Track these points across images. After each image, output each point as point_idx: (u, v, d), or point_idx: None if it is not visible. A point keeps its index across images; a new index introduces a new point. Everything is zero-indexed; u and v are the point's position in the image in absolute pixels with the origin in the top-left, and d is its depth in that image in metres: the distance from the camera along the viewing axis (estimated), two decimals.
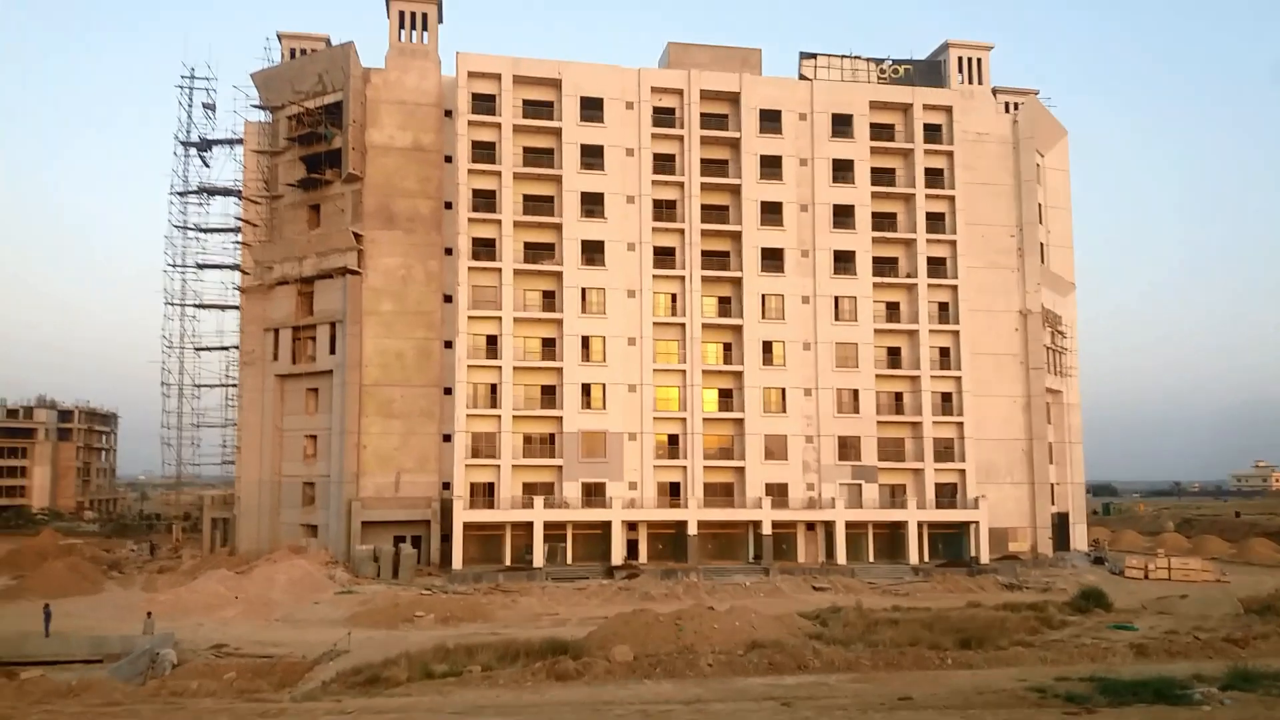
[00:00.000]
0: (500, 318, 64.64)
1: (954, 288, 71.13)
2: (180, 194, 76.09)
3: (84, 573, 56.77)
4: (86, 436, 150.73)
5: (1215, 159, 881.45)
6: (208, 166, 77.78)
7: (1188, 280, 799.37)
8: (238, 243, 73.10)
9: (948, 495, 69.94)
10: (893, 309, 71.30)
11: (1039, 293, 73.82)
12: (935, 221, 72.19)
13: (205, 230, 75.91)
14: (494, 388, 64.44)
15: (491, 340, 64.92)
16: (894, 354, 71.01)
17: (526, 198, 67.04)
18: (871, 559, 67.10)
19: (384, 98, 68.48)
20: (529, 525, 62.67)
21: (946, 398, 70.77)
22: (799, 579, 61.42)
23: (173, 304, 75.31)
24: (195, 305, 75.03)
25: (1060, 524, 77.30)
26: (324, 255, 67.21)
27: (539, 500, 62.73)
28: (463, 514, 61.26)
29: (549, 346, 66.05)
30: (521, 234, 66.51)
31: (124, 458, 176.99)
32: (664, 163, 68.61)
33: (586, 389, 65.40)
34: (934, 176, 72.60)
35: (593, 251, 66.59)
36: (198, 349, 75.90)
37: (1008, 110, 77.44)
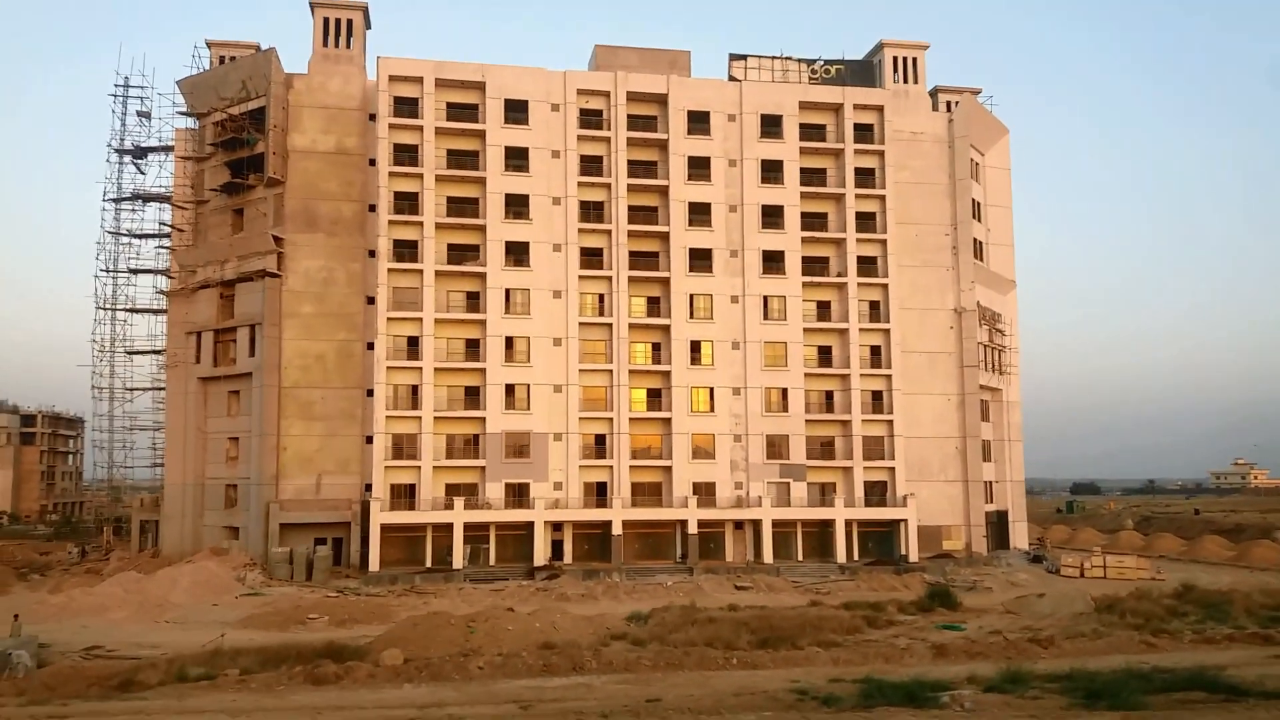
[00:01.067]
0: (421, 319, 64.30)
1: (884, 286, 70.96)
2: (114, 200, 75.85)
3: None
4: (51, 440, 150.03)
5: (1183, 149, 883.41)
6: (142, 174, 77.45)
7: (1167, 272, 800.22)
8: (168, 247, 72.71)
9: (879, 494, 69.60)
10: (824, 308, 71.09)
11: (973, 290, 73.62)
12: (866, 221, 72.06)
13: (138, 236, 75.57)
14: (415, 389, 64.09)
15: (413, 341, 64.63)
16: (825, 353, 70.75)
17: (451, 200, 66.82)
18: (800, 557, 66.72)
19: (307, 102, 68.21)
20: (451, 527, 62.22)
21: (878, 396, 70.47)
22: (723, 578, 60.91)
23: (103, 308, 75.02)
24: (123, 310, 74.59)
25: (999, 522, 77.09)
26: (245, 259, 66.85)
27: (459, 501, 62.31)
28: (379, 515, 60.81)
29: (473, 348, 65.74)
30: (445, 236, 66.29)
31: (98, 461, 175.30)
32: (592, 164, 68.46)
33: (510, 389, 65.06)
34: (865, 176, 72.49)
35: (518, 253, 66.35)
36: (129, 352, 75.52)
37: (948, 109, 77.42)
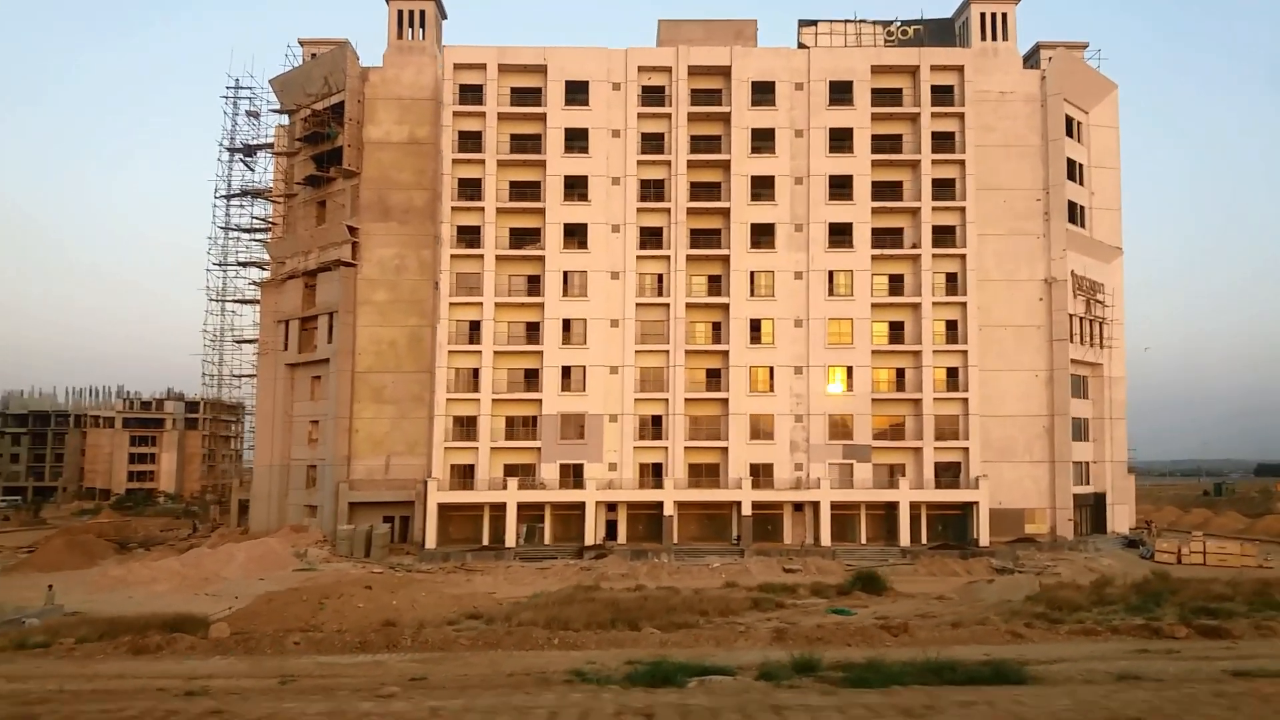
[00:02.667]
0: (481, 303, 65.68)
1: (962, 257, 67.15)
2: (225, 196, 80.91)
3: (86, 549, 61.61)
4: (212, 425, 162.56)
5: None
6: (252, 170, 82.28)
7: None
8: (263, 240, 77.07)
9: (952, 475, 66.35)
10: (897, 282, 68.06)
11: (1064, 259, 68.72)
12: (945, 188, 68.34)
13: (245, 230, 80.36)
14: (475, 372, 65.62)
15: (475, 326, 66.09)
16: (897, 329, 67.79)
17: (513, 184, 67.75)
18: (864, 541, 64.55)
19: (382, 94, 70.49)
20: (506, 506, 63.64)
21: (953, 373, 67.04)
22: (773, 560, 59.73)
23: (215, 300, 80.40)
24: (231, 300, 79.63)
25: (1096, 505, 72.32)
26: (325, 249, 70.06)
27: (513, 482, 63.56)
28: (435, 495, 62.86)
29: (533, 331, 66.63)
30: (507, 220, 67.31)
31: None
32: (653, 142, 67.80)
33: (567, 371, 65.65)
34: (945, 141, 68.65)
35: (577, 235, 66.65)
36: (236, 341, 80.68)
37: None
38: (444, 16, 73.74)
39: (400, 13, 71.51)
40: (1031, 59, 73.89)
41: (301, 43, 77.06)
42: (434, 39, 71.73)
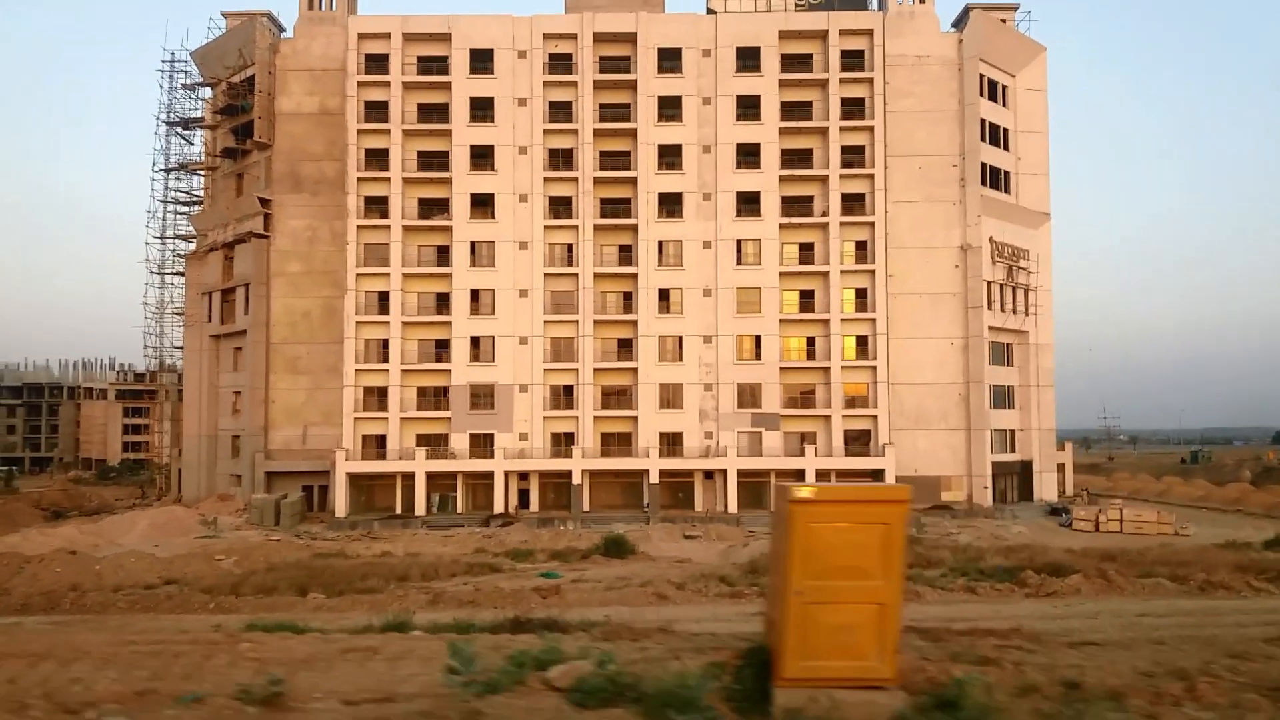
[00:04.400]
0: (389, 274, 65.93)
1: (871, 224, 66.67)
2: (164, 170, 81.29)
3: (8, 517, 62.81)
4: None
5: None
6: (190, 144, 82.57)
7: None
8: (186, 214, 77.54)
9: (863, 443, 66.34)
10: (808, 250, 67.71)
11: (979, 225, 68.10)
12: (858, 155, 67.76)
13: (182, 204, 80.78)
14: (385, 343, 66.00)
15: (384, 296, 66.38)
16: (808, 297, 67.55)
17: (421, 154, 67.71)
18: (772, 508, 64.53)
19: (293, 66, 70.39)
20: (423, 476, 64.28)
21: (863, 341, 66.82)
22: (677, 527, 60.06)
23: (155, 273, 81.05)
24: (163, 273, 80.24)
25: (1023, 472, 72.23)
26: (240, 221, 70.43)
27: (420, 452, 64.11)
28: (345, 465, 63.55)
29: (443, 301, 66.86)
30: (416, 190, 67.37)
31: None
32: (561, 111, 67.47)
33: (476, 341, 65.94)
34: (856, 107, 67.97)
35: (484, 205, 66.63)
36: (175, 313, 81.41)
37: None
38: None
39: None
40: (962, 23, 72.77)
41: (225, 15, 76.94)
42: (346, 9, 71.42)
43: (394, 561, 32.09)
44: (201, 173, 77.35)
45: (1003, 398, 71.50)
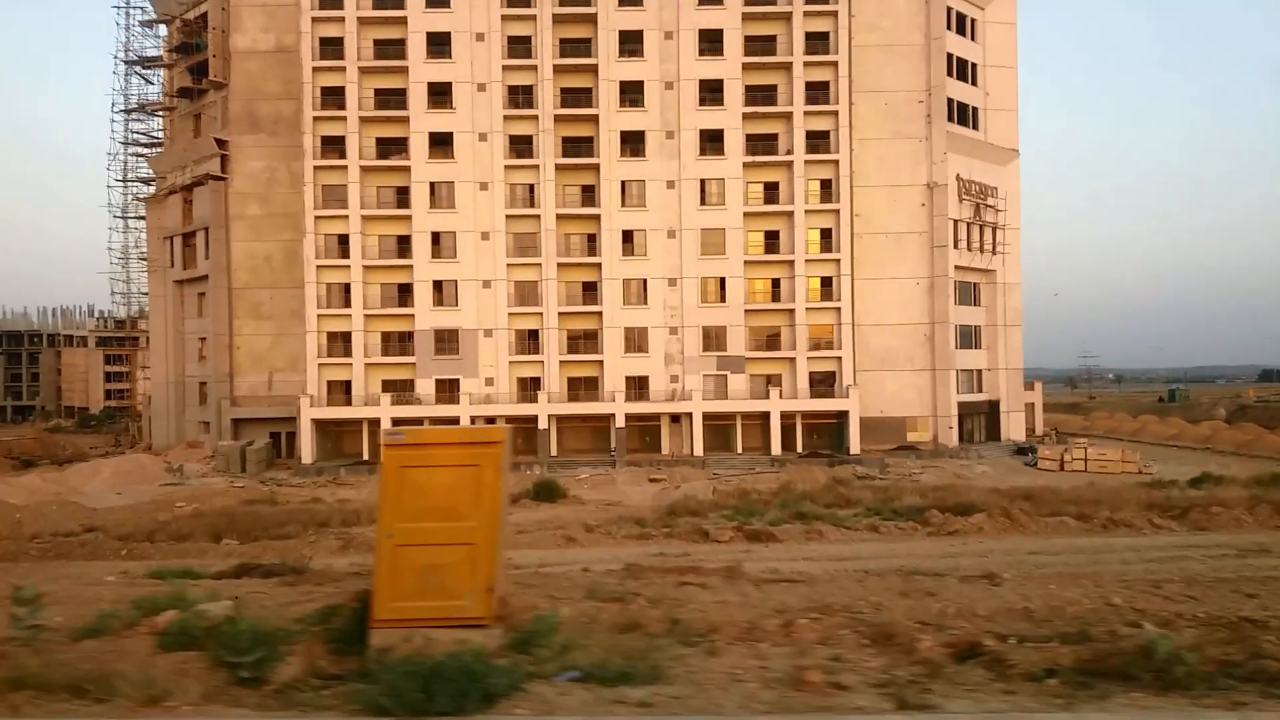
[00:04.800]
0: (348, 216, 65.10)
1: (835, 163, 65.91)
2: (124, 111, 79.70)
3: None
4: None
5: None
6: (150, 84, 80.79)
7: None
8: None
9: (828, 385, 66.39)
10: (772, 190, 66.97)
11: (945, 162, 67.40)
12: (822, 91, 66.69)
13: (144, 146, 79.36)
14: (347, 287, 65.40)
15: (344, 239, 65.60)
16: (773, 238, 66.98)
17: (379, 92, 66.35)
18: (740, 450, 65.02)
19: (247, 1, 68.64)
20: (392, 421, 64.11)
21: (828, 282, 66.47)
22: (643, 470, 60.40)
23: (118, 217, 79.97)
24: (127, 217, 79.16)
25: (991, 412, 72.57)
26: (199, 163, 69.28)
27: (385, 398, 63.94)
28: (309, 411, 63.37)
29: (404, 244, 66.12)
30: (374, 130, 66.17)
31: None
32: (520, 46, 66.03)
33: (439, 285, 65.37)
34: (821, 42, 66.71)
35: (443, 144, 65.52)
36: (140, 258, 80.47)
37: None
38: None
39: None
40: None
41: None
42: None
43: (320, 508, 32.12)
44: (160, 113, 75.93)
45: (970, 338, 71.56)
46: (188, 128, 72.44)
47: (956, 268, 69.27)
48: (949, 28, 69.10)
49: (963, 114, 69.98)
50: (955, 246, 68.78)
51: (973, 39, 71.34)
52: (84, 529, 26.64)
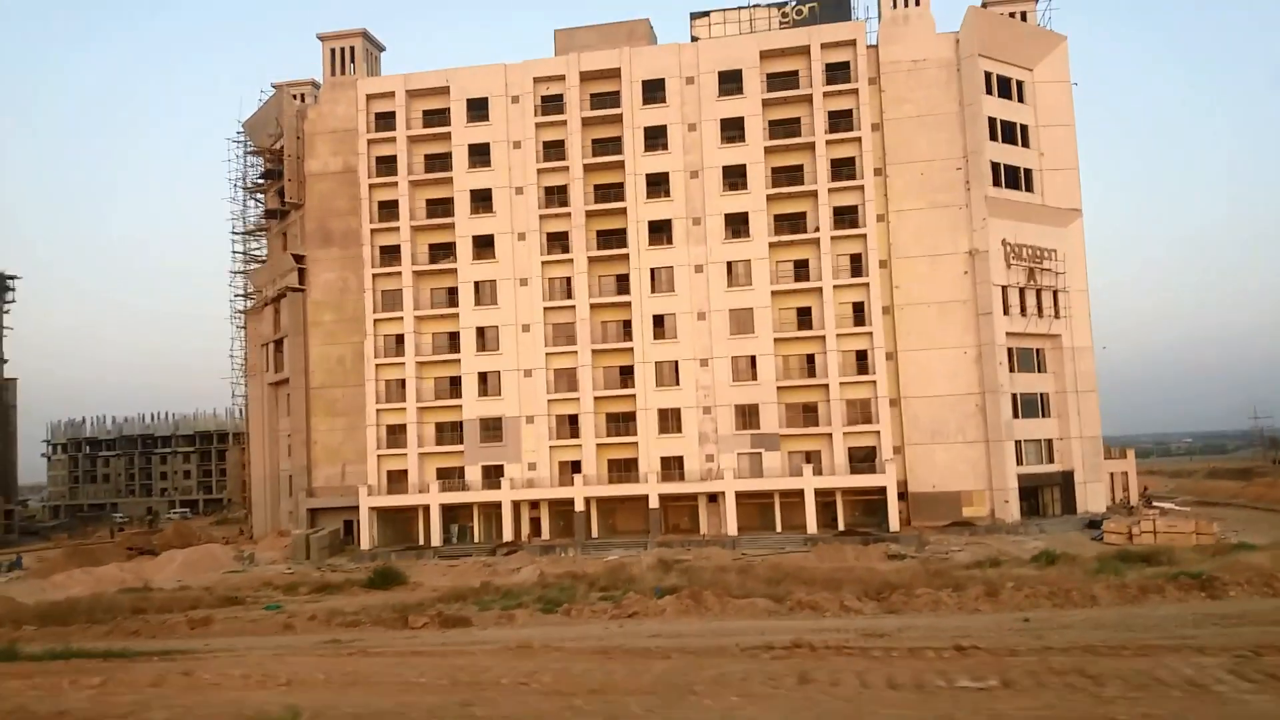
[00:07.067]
0: (403, 317, 69.99)
1: (863, 237, 65.49)
2: (243, 233, 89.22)
3: (90, 557, 70.49)
4: None
5: None
6: (261, 206, 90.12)
7: None
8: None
9: (871, 460, 64.86)
10: (803, 267, 67.15)
11: (985, 228, 65.66)
12: (849, 168, 66.84)
13: (258, 261, 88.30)
14: (403, 383, 69.97)
15: (400, 339, 70.45)
16: (805, 314, 66.89)
17: (429, 202, 71.66)
18: (779, 529, 64.28)
19: (319, 129, 76.09)
20: (442, 507, 67.70)
21: (863, 355, 65.48)
22: (671, 550, 60.75)
23: (240, 327, 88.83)
24: (242, 328, 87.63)
25: (1065, 484, 68.58)
26: (283, 276, 76.47)
27: (434, 485, 67.48)
28: (367, 500, 67.70)
29: (455, 340, 70.26)
30: (425, 237, 71.34)
31: None
32: (554, 149, 69.88)
33: (484, 376, 68.91)
34: (845, 119, 67.10)
35: (485, 245, 69.74)
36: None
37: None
38: (380, 49, 78.55)
39: (333, 50, 76.84)
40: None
41: (274, 85, 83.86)
42: (365, 72, 76.57)
43: (190, 594, 34.99)
44: (262, 234, 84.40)
45: (1035, 406, 68.34)
46: (278, 246, 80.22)
47: (1013, 334, 66.81)
48: (990, 92, 67.96)
49: (1012, 177, 68.15)
50: (1006, 313, 66.44)
51: (1021, 100, 69.71)
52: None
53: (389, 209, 71.73)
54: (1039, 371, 69.33)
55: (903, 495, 65.25)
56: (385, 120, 72.38)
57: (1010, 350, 66.63)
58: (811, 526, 62.89)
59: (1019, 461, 65.90)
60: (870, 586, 21.03)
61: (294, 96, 80.00)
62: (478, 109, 70.41)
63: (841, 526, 64.06)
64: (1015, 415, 66.28)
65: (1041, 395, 68.98)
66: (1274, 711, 10.90)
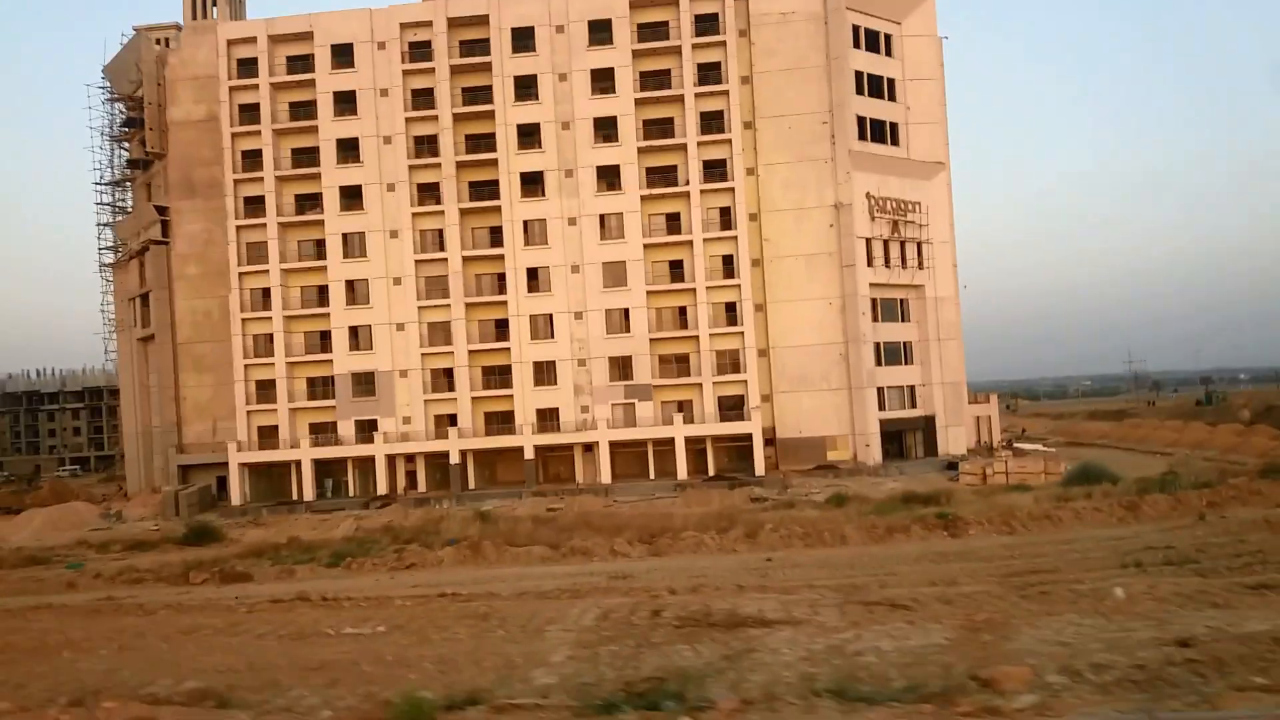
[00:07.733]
0: (269, 270, 68.57)
1: (731, 190, 66.34)
2: (111, 184, 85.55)
3: None
4: None
5: None
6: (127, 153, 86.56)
7: None
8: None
9: (739, 408, 66.43)
10: (674, 220, 67.77)
11: (850, 181, 67.07)
12: (719, 121, 67.33)
13: (126, 213, 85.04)
14: (270, 337, 68.76)
15: (267, 292, 69.07)
16: (677, 267, 67.70)
17: (295, 151, 69.90)
18: (652, 476, 65.58)
19: (181, 76, 73.24)
20: (314, 462, 67.18)
21: (732, 308, 66.71)
22: (545, 500, 61.52)
23: (109, 281, 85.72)
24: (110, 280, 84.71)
25: (926, 428, 71.31)
26: (146, 229, 74.01)
27: (304, 440, 66.91)
28: (236, 456, 66.84)
29: (323, 294, 69.18)
30: (291, 187, 69.70)
31: None
32: (423, 98, 68.67)
33: (355, 331, 68.18)
34: (714, 72, 67.42)
35: (353, 196, 68.53)
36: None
37: None
38: None
39: None
40: None
41: (136, 29, 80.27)
42: (229, 16, 73.86)
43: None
44: (129, 184, 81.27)
45: (898, 354, 70.65)
46: (142, 197, 77.46)
47: (876, 285, 68.71)
48: (858, 45, 68.99)
49: (878, 131, 69.57)
50: (870, 265, 68.23)
51: (889, 54, 70.94)
52: None
53: (253, 159, 69.77)
54: (903, 321, 71.59)
55: (771, 441, 67.17)
56: (248, 66, 70.04)
57: (874, 300, 68.59)
58: (683, 473, 64.39)
59: (882, 407, 68.32)
60: (645, 531, 22.01)
61: (156, 41, 76.85)
62: (343, 55, 68.66)
63: (711, 472, 65.73)
64: (879, 363, 68.54)
65: (905, 344, 71.34)
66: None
